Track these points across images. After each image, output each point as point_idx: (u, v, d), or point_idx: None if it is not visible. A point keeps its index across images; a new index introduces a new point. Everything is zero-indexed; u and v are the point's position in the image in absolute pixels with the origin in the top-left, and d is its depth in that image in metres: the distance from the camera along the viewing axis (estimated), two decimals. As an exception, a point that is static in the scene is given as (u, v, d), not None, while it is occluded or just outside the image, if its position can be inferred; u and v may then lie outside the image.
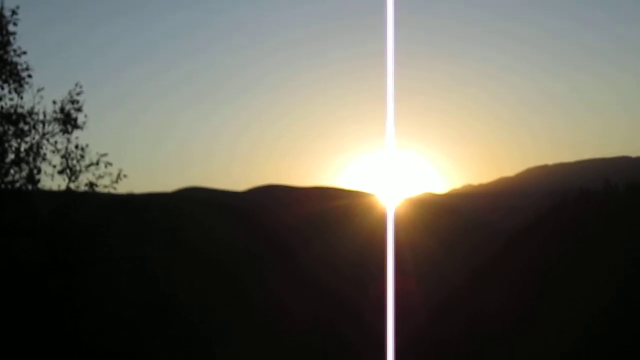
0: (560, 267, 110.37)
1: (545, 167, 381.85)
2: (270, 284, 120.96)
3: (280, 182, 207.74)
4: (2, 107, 22.42)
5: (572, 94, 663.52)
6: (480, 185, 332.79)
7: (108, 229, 23.52)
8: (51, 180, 22.62)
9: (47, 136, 22.74)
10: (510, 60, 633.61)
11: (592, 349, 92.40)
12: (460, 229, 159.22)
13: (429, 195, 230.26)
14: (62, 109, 22.95)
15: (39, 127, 22.65)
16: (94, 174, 22.80)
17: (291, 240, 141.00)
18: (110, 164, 22.94)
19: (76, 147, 22.86)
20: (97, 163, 22.83)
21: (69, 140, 22.86)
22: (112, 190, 23.23)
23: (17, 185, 22.23)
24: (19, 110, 22.53)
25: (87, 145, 22.97)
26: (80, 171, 22.79)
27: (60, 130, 22.89)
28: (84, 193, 22.68)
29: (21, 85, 22.67)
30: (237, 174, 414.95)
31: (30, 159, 22.36)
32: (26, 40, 23.07)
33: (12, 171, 22.20)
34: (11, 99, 22.56)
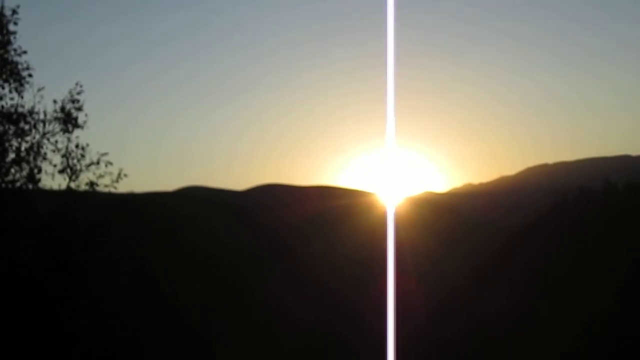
0: (560, 266, 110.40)
1: (545, 166, 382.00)
2: (271, 283, 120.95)
3: (281, 181, 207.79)
4: (2, 107, 22.41)
5: (572, 94, 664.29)
6: (481, 184, 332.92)
7: (108, 228, 23.50)
8: (52, 180, 22.62)
9: (47, 135, 22.73)
10: (511, 60, 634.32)
11: (592, 348, 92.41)
12: (460, 228, 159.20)
13: (429, 194, 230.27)
14: (62, 109, 22.94)
15: (40, 126, 22.64)
16: (94, 174, 22.79)
17: (291, 240, 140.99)
18: (111, 164, 22.93)
19: (77, 146, 22.85)
20: (98, 162, 22.82)
21: (69, 140, 22.85)
22: (112, 190, 23.22)
23: (18, 184, 22.22)
24: (20, 109, 22.52)
25: (87, 145, 22.97)
26: (80, 170, 22.79)
27: (61, 130, 22.88)
28: (85, 192, 22.67)
29: (22, 85, 22.66)
30: (238, 173, 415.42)
31: (31, 158, 22.34)
32: (27, 40, 23.06)
33: (12, 170, 22.20)
34: (12, 99, 22.56)
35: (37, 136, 22.60)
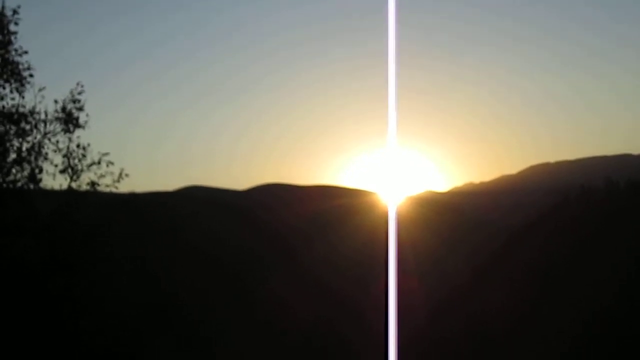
0: (561, 265, 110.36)
1: (546, 165, 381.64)
2: (271, 283, 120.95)
3: (282, 180, 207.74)
4: (3, 107, 22.43)
5: (573, 93, 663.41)
6: (482, 183, 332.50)
7: (109, 228, 23.54)
8: (53, 180, 22.65)
9: (48, 135, 22.75)
10: (512, 60, 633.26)
11: (593, 348, 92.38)
12: (461, 227, 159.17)
13: (430, 193, 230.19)
14: (63, 109, 22.97)
15: (41, 126, 22.68)
16: (95, 173, 22.83)
17: (292, 239, 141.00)
18: (112, 163, 22.97)
19: (78, 146, 22.88)
20: (99, 162, 22.85)
21: (70, 140, 22.89)
22: (113, 190, 23.26)
23: (19, 184, 22.24)
24: (21, 109, 22.55)
25: (88, 145, 23.01)
26: (81, 170, 22.81)
27: (62, 130, 22.91)
28: (86, 192, 22.69)
29: (22, 85, 22.68)
30: (238, 173, 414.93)
31: (32, 158, 22.37)
32: (27, 40, 23.08)
33: (13, 170, 22.21)
34: (13, 99, 22.59)
35: (38, 136, 22.64)
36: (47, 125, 22.84)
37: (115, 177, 23.10)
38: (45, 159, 22.70)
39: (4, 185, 22.09)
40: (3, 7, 22.72)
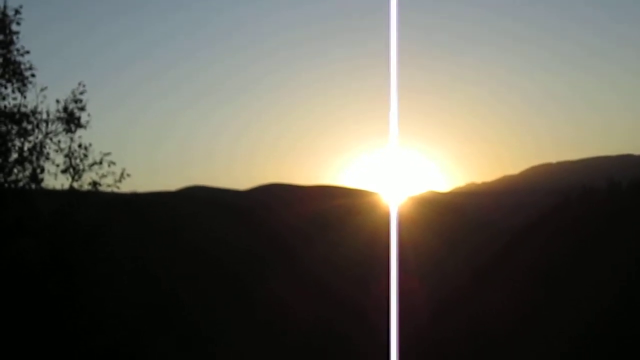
0: (563, 266, 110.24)
1: (548, 165, 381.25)
2: (272, 283, 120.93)
3: (283, 180, 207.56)
4: (5, 107, 22.44)
5: (575, 93, 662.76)
6: (484, 184, 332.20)
7: (110, 228, 23.53)
8: (54, 180, 22.67)
9: (50, 135, 22.76)
10: (513, 59, 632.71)
11: (595, 348, 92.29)
12: (463, 228, 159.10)
13: (432, 193, 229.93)
14: (65, 108, 22.97)
15: (42, 126, 22.69)
16: (97, 173, 22.85)
17: (293, 239, 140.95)
18: (114, 163, 22.99)
19: (79, 146, 22.89)
20: (101, 162, 22.87)
21: (72, 140, 22.92)
22: (115, 190, 23.26)
23: (21, 184, 22.25)
24: (22, 109, 22.56)
25: (90, 145, 23.02)
26: (83, 170, 22.82)
27: (64, 130, 22.92)
28: (87, 192, 22.69)
29: (24, 85, 22.69)
30: (239, 173, 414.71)
31: (34, 158, 22.37)
32: (29, 40, 23.09)
33: (15, 170, 22.22)
34: (14, 98, 22.61)
35: (40, 136, 22.67)
36: (49, 125, 22.88)
37: (117, 177, 23.13)
38: (47, 158, 22.72)
39: (6, 185, 22.10)
40: (5, 7, 22.73)
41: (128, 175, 23.17)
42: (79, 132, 23.01)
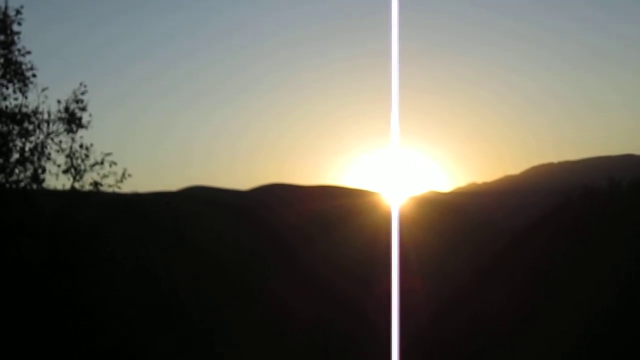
0: (564, 266, 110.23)
1: (550, 165, 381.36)
2: (273, 283, 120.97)
3: (284, 180, 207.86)
4: (6, 107, 22.45)
5: (576, 93, 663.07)
6: (485, 184, 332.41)
7: (111, 228, 23.55)
8: (56, 180, 22.66)
9: (51, 136, 22.76)
10: (514, 59, 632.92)
11: (595, 348, 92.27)
12: (464, 228, 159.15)
13: (433, 193, 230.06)
14: (66, 109, 22.98)
15: (44, 126, 22.68)
16: (98, 174, 22.83)
17: (294, 239, 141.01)
18: (115, 164, 22.98)
19: (81, 146, 22.89)
20: (102, 162, 22.85)
21: (73, 140, 22.90)
22: (116, 190, 23.27)
23: (22, 184, 22.26)
24: (24, 109, 22.55)
25: (91, 145, 23.00)
26: (84, 170, 22.82)
27: (65, 130, 22.91)
28: (89, 192, 22.70)
29: (26, 85, 22.69)
30: (241, 173, 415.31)
31: (35, 158, 22.38)
32: (30, 40, 23.11)
33: (16, 171, 22.23)
34: (16, 99, 22.59)
35: (41, 136, 22.66)
36: (50, 126, 22.86)
37: (118, 177, 23.12)
38: (48, 159, 22.71)
39: (7, 185, 22.12)
40: (6, 8, 22.75)
41: (129, 175, 23.18)
42: (80, 132, 23.03)
